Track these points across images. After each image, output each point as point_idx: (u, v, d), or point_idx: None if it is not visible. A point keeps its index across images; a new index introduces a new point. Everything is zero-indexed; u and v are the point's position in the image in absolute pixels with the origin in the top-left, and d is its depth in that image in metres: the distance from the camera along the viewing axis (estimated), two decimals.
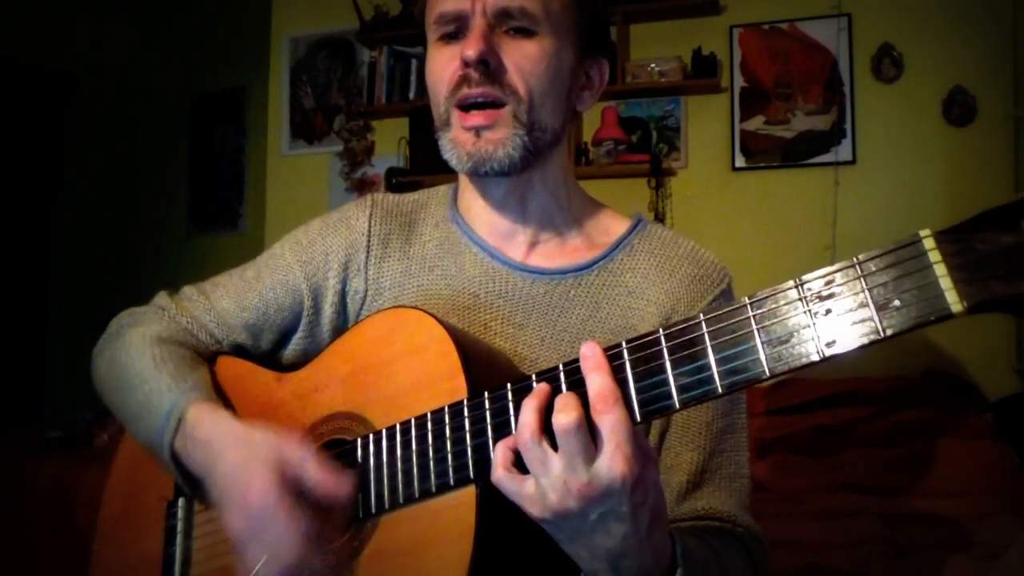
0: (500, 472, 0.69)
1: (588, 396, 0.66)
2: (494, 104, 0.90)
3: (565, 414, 0.65)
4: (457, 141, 0.92)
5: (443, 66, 0.92)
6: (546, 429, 0.67)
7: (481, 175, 0.94)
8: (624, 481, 0.64)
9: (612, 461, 0.64)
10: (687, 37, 3.53)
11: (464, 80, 0.90)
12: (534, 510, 0.67)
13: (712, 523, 0.90)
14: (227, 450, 0.84)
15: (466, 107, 0.91)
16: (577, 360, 0.69)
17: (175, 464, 0.91)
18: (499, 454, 0.70)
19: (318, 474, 0.79)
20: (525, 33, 0.91)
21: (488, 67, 0.89)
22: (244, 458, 0.82)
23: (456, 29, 0.92)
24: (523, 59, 0.90)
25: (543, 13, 0.90)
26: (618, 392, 0.66)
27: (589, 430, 0.65)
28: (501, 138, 0.90)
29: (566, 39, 0.94)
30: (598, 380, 0.66)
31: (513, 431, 0.72)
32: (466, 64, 0.89)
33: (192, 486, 0.94)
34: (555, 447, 0.66)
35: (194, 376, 0.96)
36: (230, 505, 0.81)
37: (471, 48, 0.88)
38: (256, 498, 0.78)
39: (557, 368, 0.71)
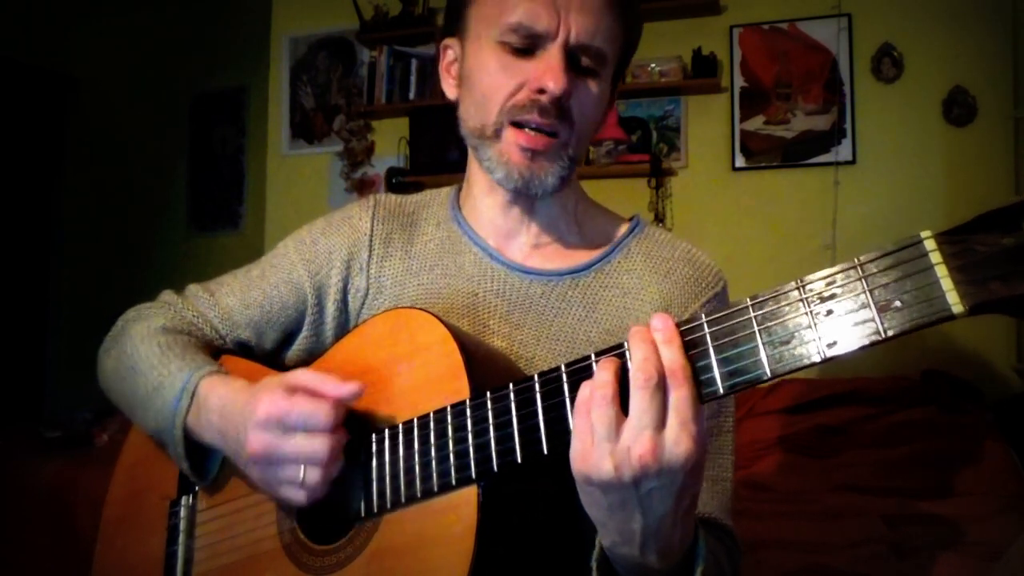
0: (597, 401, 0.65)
1: (664, 367, 0.65)
2: (551, 133, 0.90)
3: (644, 370, 0.64)
4: (509, 159, 0.91)
5: (507, 78, 0.90)
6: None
7: (527, 196, 0.95)
8: (687, 460, 0.63)
9: (679, 436, 0.63)
10: (687, 37, 3.53)
11: (534, 105, 0.88)
12: (587, 471, 0.65)
13: None
14: (239, 399, 0.86)
15: (521, 125, 0.90)
16: (578, 361, 0.70)
17: (184, 443, 0.92)
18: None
19: (321, 377, 0.81)
20: (590, 73, 0.91)
21: (562, 103, 0.89)
22: (253, 394, 0.84)
23: (529, 45, 0.89)
24: (587, 99, 0.91)
25: (611, 57, 0.92)
26: (689, 369, 0.65)
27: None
28: (551, 167, 0.91)
29: (610, 77, 0.95)
30: (670, 353, 0.65)
31: (515, 431, 0.72)
32: (541, 91, 0.88)
33: (197, 471, 0.94)
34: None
35: (202, 356, 0.97)
36: (246, 434, 0.81)
37: (557, 83, 0.87)
38: (265, 408, 0.80)
39: (559, 368, 0.72)
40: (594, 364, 0.69)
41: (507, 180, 0.92)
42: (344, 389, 0.80)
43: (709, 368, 0.64)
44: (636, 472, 0.63)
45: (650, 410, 0.63)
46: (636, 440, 0.63)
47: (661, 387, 0.63)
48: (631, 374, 0.64)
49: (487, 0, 0.92)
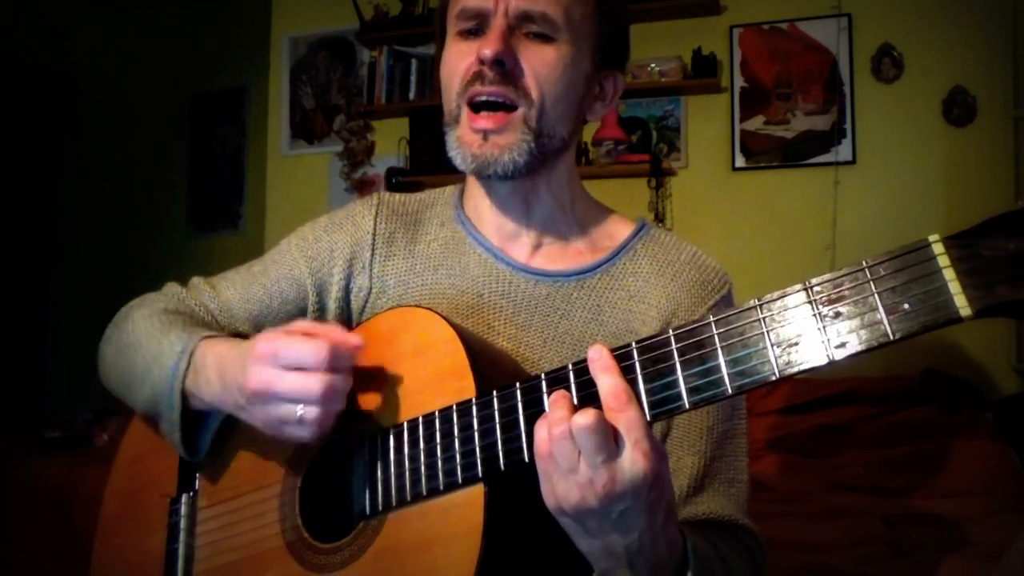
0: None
1: (601, 397, 0.67)
2: (505, 106, 0.91)
3: (584, 415, 0.65)
4: (463, 141, 0.93)
5: (459, 60, 0.93)
6: None
7: (485, 177, 0.95)
8: (645, 477, 0.65)
9: (633, 457, 0.65)
10: (687, 37, 3.53)
11: (478, 77, 0.90)
12: (558, 504, 0.68)
13: (713, 527, 0.91)
14: (236, 352, 0.86)
15: (476, 107, 0.91)
16: (585, 360, 0.70)
17: (180, 409, 0.91)
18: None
19: (322, 324, 0.83)
20: (544, 38, 0.91)
21: (504, 67, 0.89)
22: (251, 342, 0.84)
23: (476, 26, 0.92)
24: (539, 63, 0.91)
25: (564, 20, 0.91)
26: (630, 390, 0.67)
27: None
28: (508, 143, 0.91)
29: (584, 48, 0.94)
30: (609, 380, 0.67)
31: (521, 431, 0.73)
32: (482, 62, 0.90)
33: (189, 445, 0.94)
34: None
35: (202, 328, 0.97)
36: (244, 373, 0.81)
37: (489, 47, 0.89)
38: (261, 345, 0.80)
39: (566, 368, 0.72)
40: (545, 397, 0.71)
41: (464, 163, 0.94)
42: (346, 337, 0.81)
43: (718, 368, 0.65)
44: (601, 499, 0.65)
45: (601, 444, 0.65)
46: (595, 473, 0.65)
47: (600, 424, 0.65)
48: (573, 419, 0.65)
49: (449, 3, 0.97)
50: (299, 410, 0.79)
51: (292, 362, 0.79)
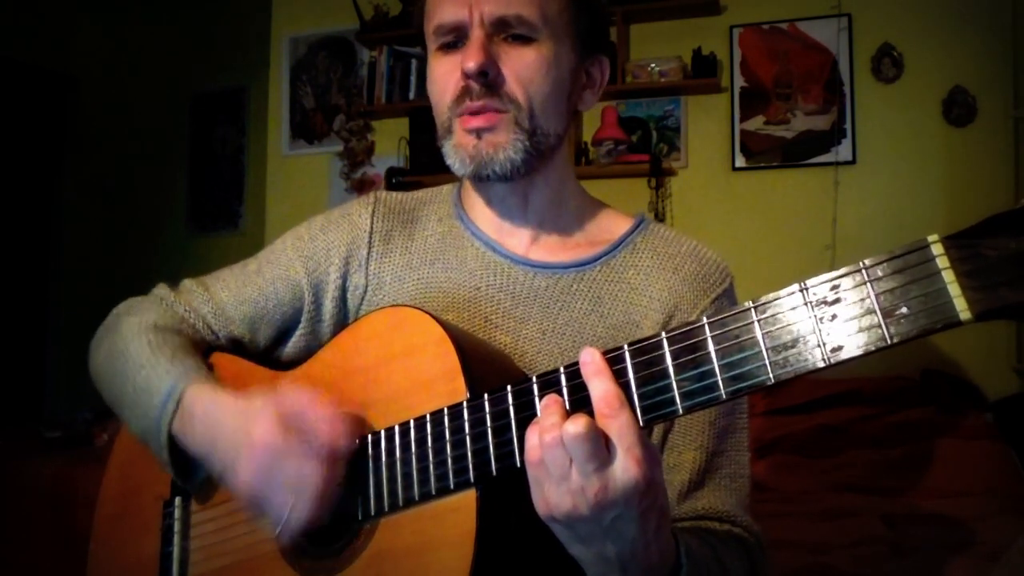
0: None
1: (592, 402, 0.66)
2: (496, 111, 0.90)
3: (575, 423, 0.64)
4: (459, 145, 0.92)
5: (444, 77, 0.93)
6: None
7: (483, 179, 0.94)
8: (637, 485, 0.64)
9: (625, 465, 0.64)
10: (687, 37, 3.53)
11: (467, 92, 0.90)
12: (549, 512, 0.67)
13: (712, 523, 0.90)
14: (227, 417, 0.85)
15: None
16: (577, 363, 0.69)
17: (169, 449, 0.91)
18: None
19: (317, 412, 0.80)
20: (523, 40, 0.91)
21: (487, 78, 0.89)
22: (245, 416, 0.83)
23: (455, 39, 0.92)
24: (522, 67, 0.90)
25: (541, 19, 0.90)
26: (623, 396, 0.66)
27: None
28: (502, 141, 0.91)
29: (565, 41, 0.94)
30: (601, 385, 0.66)
31: (513, 435, 0.72)
32: (466, 76, 0.89)
33: (183, 475, 0.93)
34: None
35: (191, 360, 0.96)
36: (238, 460, 0.81)
37: (470, 60, 0.88)
38: (261, 439, 0.79)
39: (558, 371, 0.71)
40: (537, 400, 0.70)
41: (462, 166, 0.93)
42: (335, 427, 0.80)
43: (712, 372, 0.63)
44: (593, 507, 0.64)
45: (593, 452, 0.64)
46: (587, 481, 0.64)
47: (591, 432, 0.64)
48: (564, 427, 0.64)
49: (426, 20, 0.96)
50: (279, 527, 0.78)
51: (288, 473, 0.78)
